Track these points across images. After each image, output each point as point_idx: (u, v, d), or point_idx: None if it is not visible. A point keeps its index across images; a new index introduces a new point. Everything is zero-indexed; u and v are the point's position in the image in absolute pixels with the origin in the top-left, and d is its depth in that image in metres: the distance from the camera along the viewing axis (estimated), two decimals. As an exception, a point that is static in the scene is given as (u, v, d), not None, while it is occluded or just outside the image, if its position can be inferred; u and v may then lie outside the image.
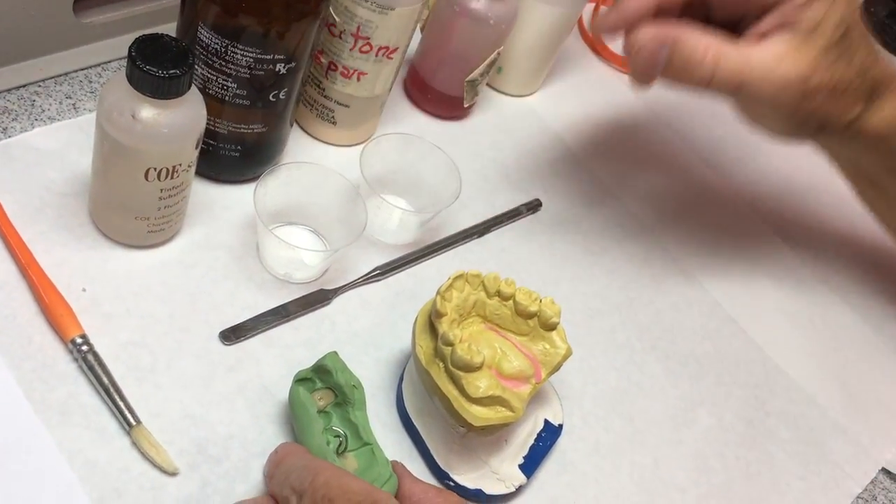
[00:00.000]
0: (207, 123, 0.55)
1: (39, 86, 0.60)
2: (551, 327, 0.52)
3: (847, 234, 0.79)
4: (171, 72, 0.46)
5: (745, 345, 0.68)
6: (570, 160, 0.74)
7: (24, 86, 0.60)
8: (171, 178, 0.51)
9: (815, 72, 0.53)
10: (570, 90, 0.81)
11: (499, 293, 0.53)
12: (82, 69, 0.62)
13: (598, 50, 0.86)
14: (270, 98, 0.55)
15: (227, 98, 0.54)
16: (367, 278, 0.60)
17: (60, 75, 0.61)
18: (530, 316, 0.52)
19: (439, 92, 0.70)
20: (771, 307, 0.71)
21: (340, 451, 0.49)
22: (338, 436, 0.49)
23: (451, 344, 0.48)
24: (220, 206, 0.59)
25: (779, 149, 0.83)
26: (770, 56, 0.53)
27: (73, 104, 0.61)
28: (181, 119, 0.48)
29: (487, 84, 0.76)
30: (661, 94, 0.85)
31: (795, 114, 0.55)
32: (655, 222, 0.73)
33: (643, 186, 0.75)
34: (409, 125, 0.70)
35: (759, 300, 0.71)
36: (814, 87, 0.53)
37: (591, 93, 0.82)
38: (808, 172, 0.82)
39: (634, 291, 0.67)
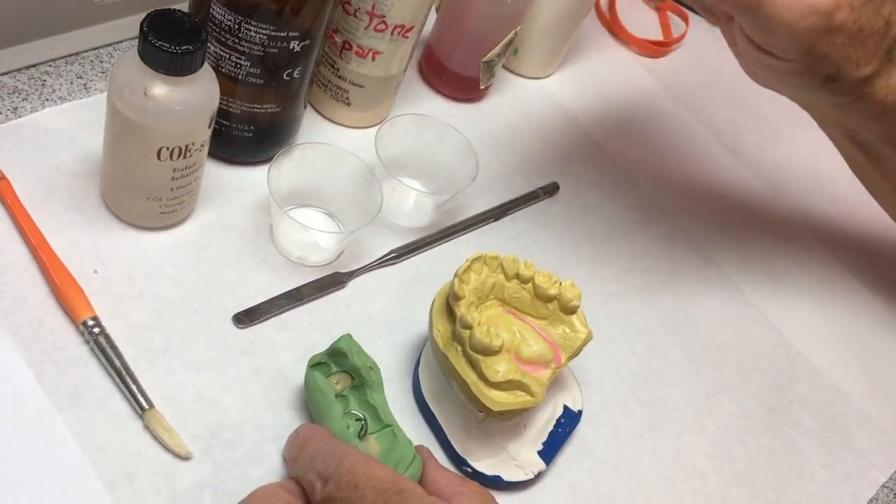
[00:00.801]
0: (220, 103, 0.54)
1: (50, 65, 0.60)
2: (571, 311, 0.51)
3: (870, 218, 0.77)
4: (184, 48, 0.45)
5: (767, 331, 0.66)
6: (588, 143, 0.73)
7: (34, 65, 0.59)
8: (184, 157, 0.50)
9: (841, 7, 0.50)
10: (587, 72, 0.79)
11: (518, 276, 0.51)
12: (93, 49, 0.61)
13: (616, 32, 0.84)
14: (284, 77, 0.54)
15: (240, 77, 0.53)
16: (383, 261, 0.58)
17: (71, 55, 0.60)
18: (550, 299, 0.51)
19: (455, 73, 0.69)
20: (793, 293, 0.70)
21: (362, 435, 0.48)
22: (358, 419, 0.48)
23: (469, 327, 0.47)
24: (233, 187, 0.58)
25: (802, 133, 0.82)
26: None
27: (84, 84, 0.60)
28: (194, 97, 0.47)
29: (504, 66, 0.75)
30: (681, 78, 0.83)
31: (811, 51, 0.51)
32: (675, 207, 0.72)
33: (662, 170, 0.74)
34: (425, 107, 0.69)
35: (781, 286, 0.70)
36: (837, 25, 0.50)
37: (609, 75, 0.80)
38: (830, 158, 0.81)
39: (654, 276, 0.66)
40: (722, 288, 0.68)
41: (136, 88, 0.46)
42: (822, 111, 0.59)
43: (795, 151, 0.81)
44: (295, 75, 0.54)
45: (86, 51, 0.61)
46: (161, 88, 0.46)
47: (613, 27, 0.84)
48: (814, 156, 0.81)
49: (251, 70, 0.53)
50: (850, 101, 0.55)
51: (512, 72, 0.76)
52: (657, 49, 0.84)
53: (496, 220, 0.64)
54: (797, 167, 0.80)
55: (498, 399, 0.47)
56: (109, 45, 0.62)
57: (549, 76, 0.77)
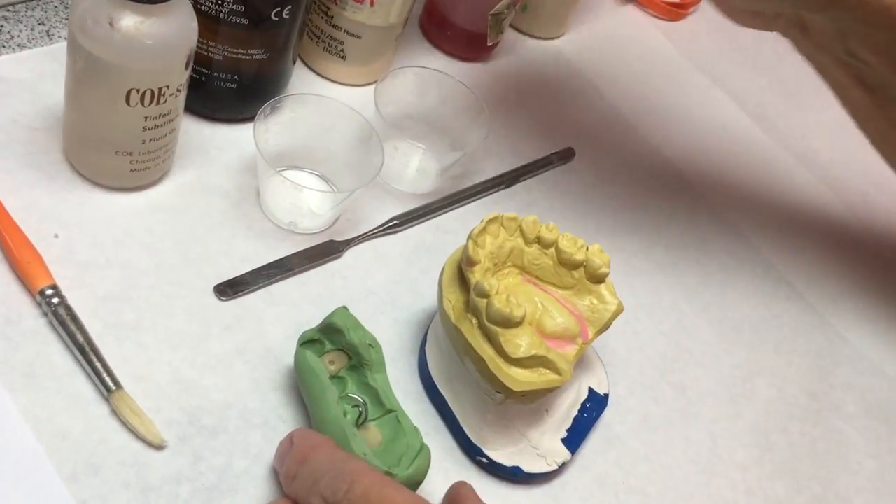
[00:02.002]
0: (200, 48, 0.48)
1: (8, 10, 0.53)
2: (600, 279, 0.45)
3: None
4: (156, -31, 0.39)
5: (803, 310, 0.60)
6: (605, 108, 0.67)
7: (-10, 10, 0.53)
8: (158, 103, 0.43)
9: None
10: (601, 34, 0.73)
11: (539, 240, 0.45)
12: (58, -7, 0.55)
13: (629, -6, 0.78)
14: (273, 17, 0.48)
15: (222, 16, 0.47)
16: (383, 230, 0.52)
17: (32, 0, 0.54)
18: (575, 266, 0.45)
19: (460, 28, 0.63)
20: (828, 270, 0.64)
21: (360, 422, 0.41)
22: (356, 405, 0.42)
23: (486, 295, 0.41)
24: (214, 146, 0.52)
25: (828, 101, 0.76)
26: None
27: (47, 31, 0.53)
28: (168, 30, 0.41)
29: (512, 25, 0.69)
30: (700, 42, 0.78)
31: None
32: (698, 177, 0.66)
33: (683, 137, 0.68)
34: (427, 66, 0.63)
35: (815, 262, 0.64)
36: None
37: (623, 37, 0.74)
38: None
39: (679, 250, 0.60)
40: (753, 264, 0.62)
41: (101, 18, 0.40)
42: (820, 30, 0.51)
43: (822, 119, 0.75)
44: (284, 15, 0.48)
45: (49, -5, 0.55)
46: (130, 19, 0.40)
47: (626, -11, 0.79)
48: (842, 124, 0.76)
49: (234, 7, 0.47)
50: (853, 21, 0.47)
51: (521, 31, 0.70)
52: (675, 11, 0.79)
53: (507, 186, 0.58)
54: (824, 135, 0.74)
55: (519, 377, 0.41)
56: (76, -11, 0.56)
57: (560, 37, 0.71)
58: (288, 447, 0.38)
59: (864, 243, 0.67)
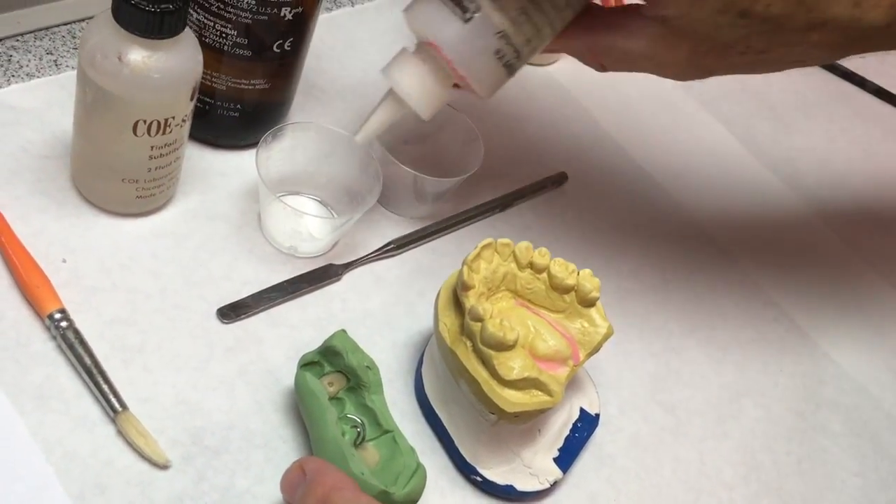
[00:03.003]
0: (204, 78, 0.49)
1: (17, 40, 0.55)
2: (590, 303, 0.47)
3: (893, 215, 0.73)
4: (163, 6, 0.40)
5: (791, 331, 0.62)
6: (597, 132, 0.69)
7: (0, 40, 0.54)
8: (163, 133, 0.45)
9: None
10: (592, 60, 0.75)
11: (531, 265, 0.47)
12: (66, 23, 0.57)
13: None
14: (275, 49, 0.49)
15: (226, 48, 0.49)
16: (381, 253, 0.54)
17: (41, 29, 0.56)
18: (567, 290, 0.47)
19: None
20: (815, 290, 0.65)
21: (358, 442, 0.43)
22: (355, 425, 0.43)
23: (480, 319, 0.43)
24: (216, 172, 0.54)
25: (815, 126, 0.78)
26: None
27: (55, 60, 0.55)
28: (174, 64, 0.43)
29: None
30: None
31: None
32: (688, 199, 0.67)
33: (674, 161, 0.70)
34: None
35: (803, 284, 0.65)
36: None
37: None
38: (846, 150, 0.77)
39: (669, 272, 0.62)
40: (741, 285, 0.63)
41: (110, 53, 0.42)
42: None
43: (810, 143, 0.77)
44: (286, 47, 0.50)
45: (57, 25, 0.56)
46: (137, 53, 0.42)
47: (618, 15, 0.80)
48: (829, 148, 0.77)
49: (238, 40, 0.48)
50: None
51: (514, 58, 0.71)
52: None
53: (502, 210, 0.60)
54: (812, 160, 0.76)
55: (513, 399, 0.42)
56: (83, 19, 0.57)
57: (553, 63, 0.73)
58: (299, 477, 0.37)
59: (849, 265, 0.68)
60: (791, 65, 0.44)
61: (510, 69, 0.45)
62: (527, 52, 0.44)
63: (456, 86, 0.46)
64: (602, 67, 0.46)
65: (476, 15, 0.42)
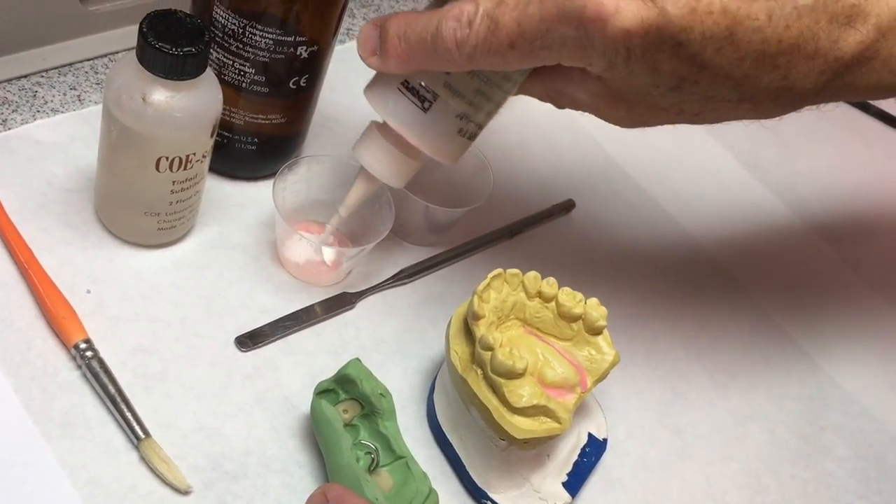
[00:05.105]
0: (223, 113, 0.51)
1: (42, 76, 0.57)
2: (597, 331, 0.48)
3: (896, 237, 0.75)
4: (186, 50, 0.42)
5: (795, 355, 0.63)
6: (604, 159, 0.70)
7: (25, 76, 0.56)
8: (185, 168, 0.46)
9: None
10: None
11: (540, 294, 0.48)
12: (88, 59, 0.58)
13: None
14: (291, 85, 0.51)
15: (244, 85, 0.50)
16: (393, 282, 0.55)
17: (65, 65, 0.58)
18: (574, 319, 0.48)
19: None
20: (820, 315, 0.67)
21: (373, 468, 0.44)
22: (369, 452, 0.45)
23: (490, 348, 0.44)
24: (234, 203, 0.55)
25: (821, 150, 0.80)
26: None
27: (78, 95, 0.57)
28: (196, 103, 0.44)
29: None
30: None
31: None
32: (695, 226, 0.69)
33: (680, 188, 0.71)
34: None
35: (808, 308, 0.67)
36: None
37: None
38: (851, 173, 0.78)
39: (676, 299, 0.63)
40: (747, 311, 0.64)
41: (135, 94, 0.43)
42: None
43: (814, 168, 0.78)
44: (302, 83, 0.52)
45: (80, 61, 0.58)
46: (161, 94, 0.43)
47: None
48: (833, 172, 0.79)
49: (255, 78, 0.50)
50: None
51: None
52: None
53: (510, 238, 0.61)
54: (816, 184, 0.77)
55: (522, 426, 0.44)
56: (105, 55, 0.59)
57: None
58: (322, 503, 0.38)
59: (854, 289, 0.70)
60: (731, 120, 0.45)
61: (473, 137, 0.47)
62: (487, 121, 0.47)
63: None
64: (559, 106, 0.47)
65: (434, 104, 0.44)
